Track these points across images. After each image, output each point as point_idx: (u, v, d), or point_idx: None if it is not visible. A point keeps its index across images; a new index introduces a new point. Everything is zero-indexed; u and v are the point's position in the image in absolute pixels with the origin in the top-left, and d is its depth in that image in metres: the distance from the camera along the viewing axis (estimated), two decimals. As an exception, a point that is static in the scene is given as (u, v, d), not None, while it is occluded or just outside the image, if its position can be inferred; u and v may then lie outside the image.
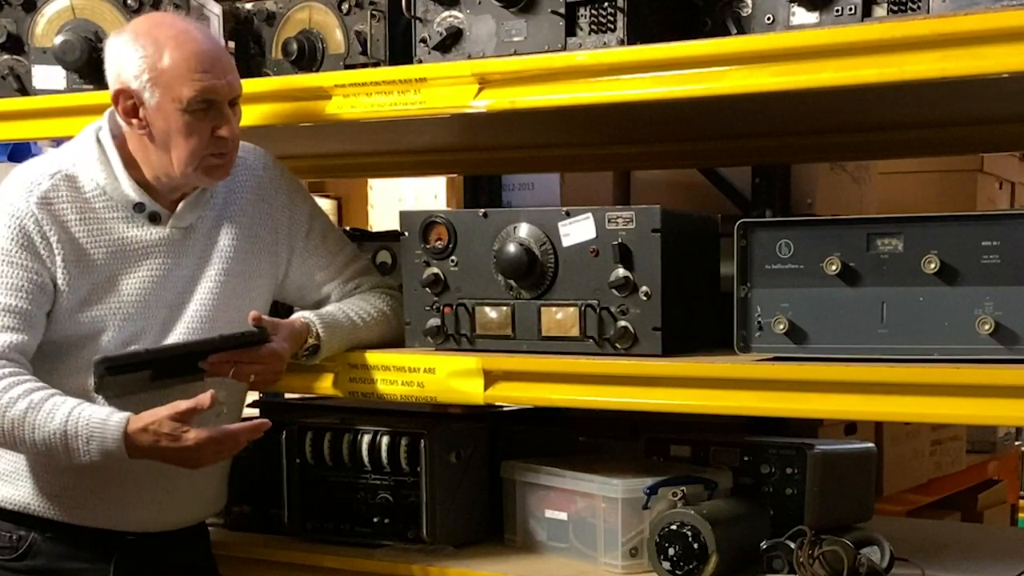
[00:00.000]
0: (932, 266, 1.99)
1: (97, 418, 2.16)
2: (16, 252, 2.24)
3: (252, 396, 2.89)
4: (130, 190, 2.32)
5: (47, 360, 2.28)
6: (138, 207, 2.32)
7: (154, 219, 2.34)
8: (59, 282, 2.27)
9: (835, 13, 2.09)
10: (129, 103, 2.26)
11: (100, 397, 2.22)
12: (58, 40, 2.67)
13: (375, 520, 2.52)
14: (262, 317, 2.31)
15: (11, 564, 2.33)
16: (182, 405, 2.15)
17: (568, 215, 2.30)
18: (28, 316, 2.23)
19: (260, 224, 2.46)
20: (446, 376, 2.35)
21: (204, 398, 2.17)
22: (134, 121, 2.27)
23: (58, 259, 2.26)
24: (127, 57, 2.25)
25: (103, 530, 2.34)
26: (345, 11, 2.53)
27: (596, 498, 2.37)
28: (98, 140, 2.33)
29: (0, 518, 2.34)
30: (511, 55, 2.29)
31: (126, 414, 2.17)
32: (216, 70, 2.24)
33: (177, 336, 2.33)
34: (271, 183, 2.50)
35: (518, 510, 2.52)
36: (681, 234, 2.29)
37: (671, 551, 2.23)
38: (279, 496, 2.62)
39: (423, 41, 2.38)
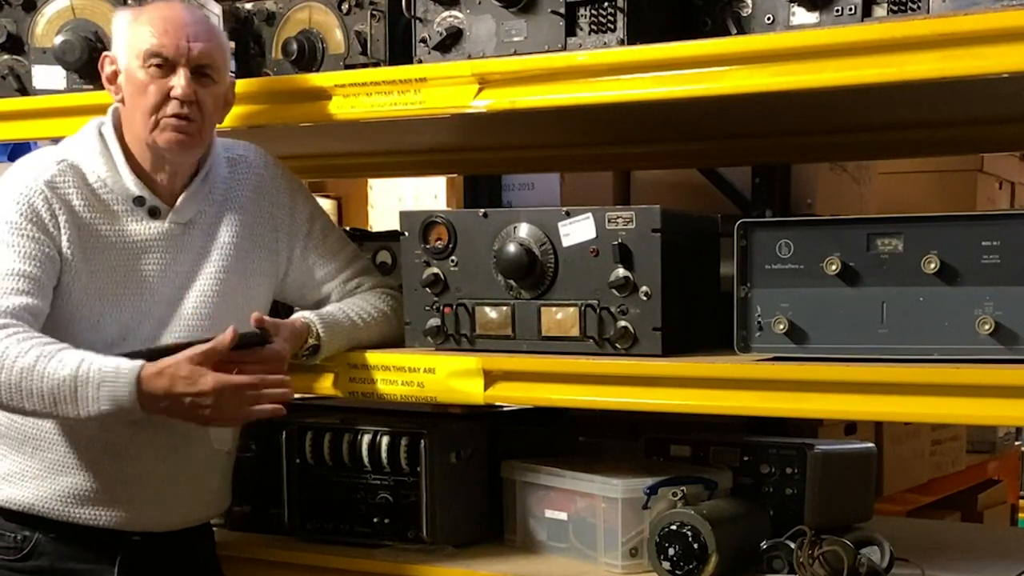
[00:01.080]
0: (932, 266, 1.99)
1: (110, 364, 2.11)
2: (26, 225, 2.25)
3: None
4: (131, 183, 2.32)
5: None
6: (138, 200, 2.33)
7: (154, 213, 2.34)
8: (66, 255, 2.27)
9: (835, 13, 2.09)
10: (111, 69, 2.34)
11: None
12: (58, 40, 2.68)
13: (375, 520, 2.52)
14: (264, 318, 2.31)
15: (16, 564, 2.33)
16: (201, 347, 2.12)
17: (568, 215, 2.30)
18: (40, 283, 2.22)
19: (260, 222, 2.46)
20: (446, 376, 2.35)
21: (226, 337, 2.13)
22: (112, 87, 2.34)
23: (64, 237, 2.27)
24: (117, 25, 2.35)
25: (107, 530, 2.34)
26: (345, 11, 2.53)
27: (596, 498, 2.37)
28: (100, 134, 2.35)
29: (5, 519, 2.34)
30: (511, 55, 2.29)
31: (141, 361, 2.13)
32: (180, 32, 2.27)
33: (173, 331, 2.33)
34: (272, 182, 2.50)
35: (518, 510, 2.52)
36: (681, 234, 2.29)
37: (671, 551, 2.23)
38: (279, 496, 2.62)
39: (423, 41, 2.38)
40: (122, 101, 2.33)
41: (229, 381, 2.14)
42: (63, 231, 2.26)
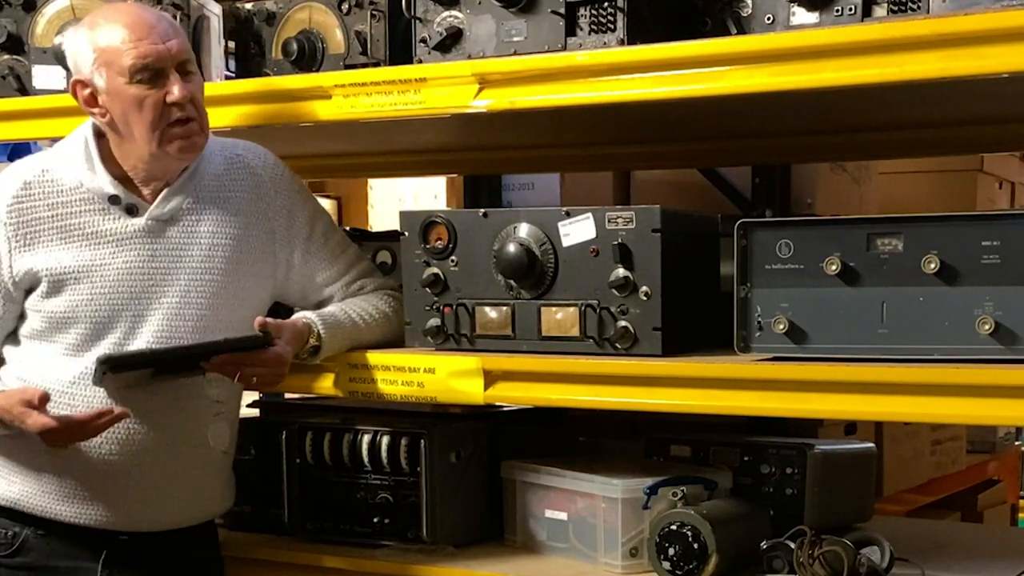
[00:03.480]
0: (932, 266, 1.99)
1: None
2: None
3: (251, 396, 2.90)
4: (106, 184, 2.32)
5: (22, 351, 2.33)
6: (113, 199, 2.33)
7: (131, 211, 2.34)
8: (23, 276, 2.29)
9: (835, 13, 2.09)
10: (87, 92, 2.29)
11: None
12: (58, 40, 2.67)
13: (375, 520, 2.52)
14: (266, 321, 2.30)
15: (4, 560, 2.34)
16: (28, 394, 2.19)
17: (568, 215, 2.30)
18: None
19: (256, 224, 2.45)
20: (446, 376, 2.35)
21: (35, 398, 2.18)
22: (95, 111, 2.30)
23: (24, 257, 2.29)
24: (76, 47, 2.30)
25: (94, 528, 2.34)
26: (345, 11, 2.53)
27: (596, 498, 2.37)
28: (85, 137, 2.35)
29: (-5, 515, 2.35)
30: (511, 55, 2.29)
31: None
32: (152, 36, 2.24)
33: (148, 329, 2.32)
34: (271, 183, 2.49)
35: (518, 510, 2.52)
36: (681, 234, 2.29)
37: (671, 551, 2.23)
38: (279, 496, 2.62)
39: (423, 41, 2.38)
40: (111, 122, 2.29)
41: (46, 425, 2.19)
42: (21, 252, 2.29)
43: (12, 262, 2.30)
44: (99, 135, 2.35)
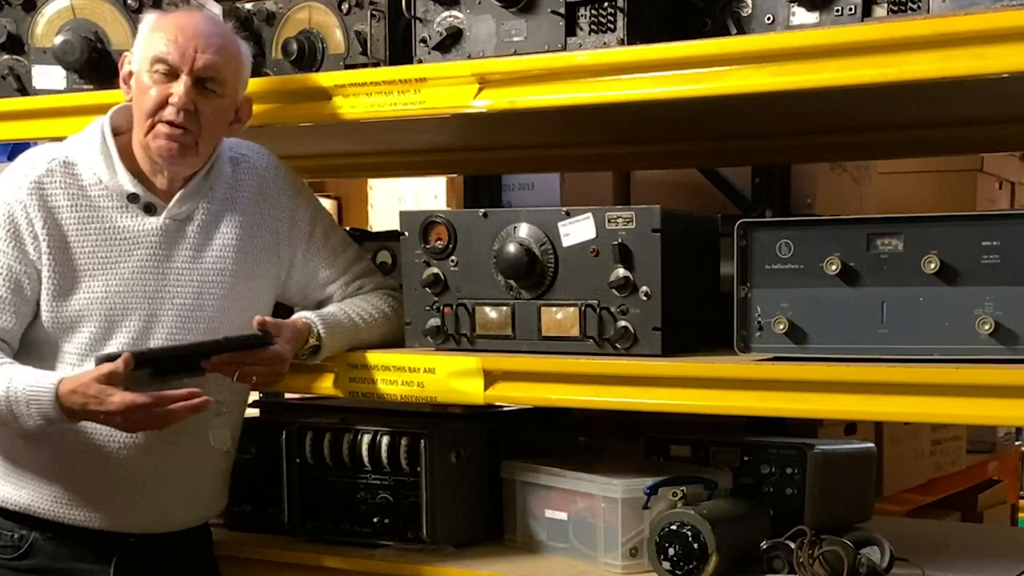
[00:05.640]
0: (932, 266, 1.99)
1: (32, 383, 2.17)
2: (2, 238, 2.28)
3: (252, 396, 2.89)
4: (126, 181, 2.33)
5: (34, 348, 2.31)
6: (132, 197, 2.33)
7: (149, 210, 2.34)
8: (44, 272, 2.29)
9: (835, 13, 2.09)
10: (126, 70, 2.36)
11: None
12: (58, 40, 2.68)
13: (375, 520, 2.52)
14: (266, 320, 2.31)
15: (13, 564, 2.33)
16: (106, 368, 2.14)
17: (568, 215, 2.30)
18: (3, 302, 2.26)
19: (261, 224, 2.46)
20: (446, 376, 2.35)
21: (119, 363, 2.12)
22: (125, 87, 2.37)
23: (44, 244, 2.28)
24: (139, 31, 2.37)
25: (103, 531, 2.34)
26: (345, 11, 2.53)
27: (596, 498, 2.37)
28: (102, 132, 2.36)
29: (2, 517, 2.34)
30: (511, 55, 2.29)
31: (58, 376, 2.18)
32: (189, 43, 2.27)
33: (161, 328, 2.32)
34: (274, 183, 2.49)
35: (518, 510, 2.52)
36: (681, 234, 2.29)
37: (671, 551, 2.23)
38: (279, 496, 2.62)
39: (423, 41, 2.39)
40: (131, 102, 2.35)
41: (134, 401, 2.14)
42: (43, 240, 2.28)
43: (40, 243, 2.28)
44: (115, 133, 2.36)
